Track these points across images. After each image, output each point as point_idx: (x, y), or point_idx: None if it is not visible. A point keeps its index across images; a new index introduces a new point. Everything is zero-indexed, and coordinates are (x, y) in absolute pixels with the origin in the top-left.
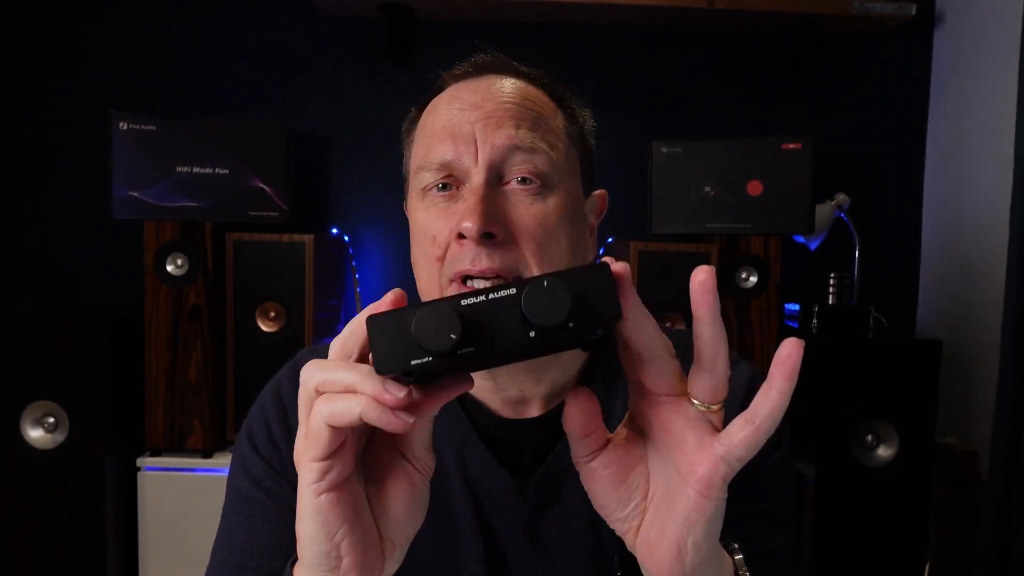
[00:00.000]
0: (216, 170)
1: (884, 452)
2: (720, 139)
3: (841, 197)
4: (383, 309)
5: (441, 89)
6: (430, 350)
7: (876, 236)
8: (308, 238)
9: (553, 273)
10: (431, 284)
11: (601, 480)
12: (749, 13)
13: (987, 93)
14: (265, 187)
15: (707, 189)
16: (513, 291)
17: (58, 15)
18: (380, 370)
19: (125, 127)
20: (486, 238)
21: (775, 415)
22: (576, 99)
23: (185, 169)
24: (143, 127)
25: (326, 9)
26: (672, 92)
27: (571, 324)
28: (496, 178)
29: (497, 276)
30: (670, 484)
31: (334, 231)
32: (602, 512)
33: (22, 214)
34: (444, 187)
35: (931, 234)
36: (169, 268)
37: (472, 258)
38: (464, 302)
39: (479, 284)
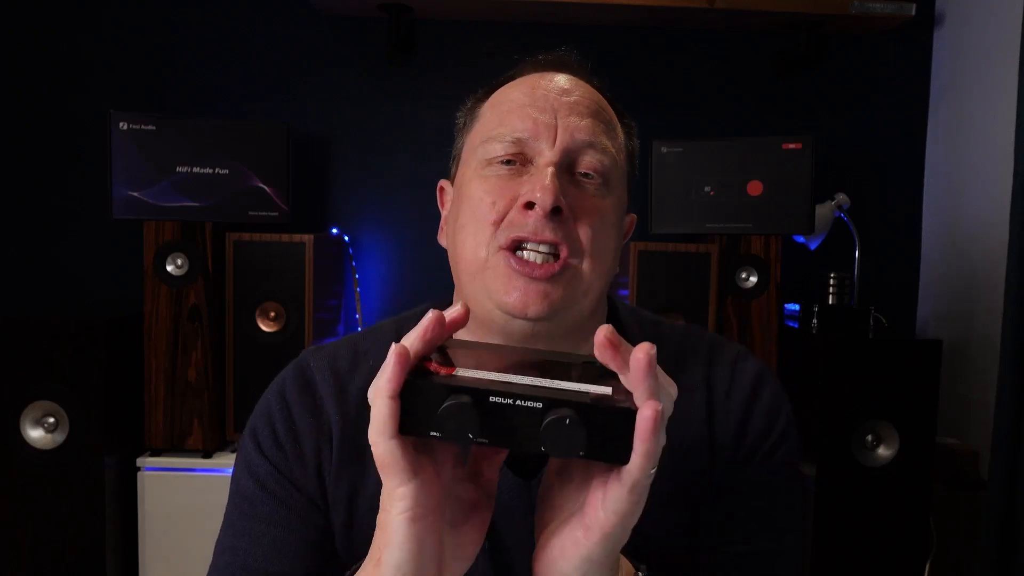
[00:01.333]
0: (216, 170)
1: (884, 452)
2: (720, 139)
3: (841, 197)
4: (423, 336)
5: (511, 77)
6: (448, 437)
7: (876, 236)
8: (308, 238)
9: (581, 405)
10: (477, 248)
11: (553, 468)
12: (749, 13)
13: (987, 93)
14: (265, 187)
15: (707, 189)
16: (540, 406)
17: (58, 15)
18: (403, 431)
19: (125, 127)
20: (554, 213)
21: (642, 474)
22: (632, 121)
23: (185, 169)
24: (143, 127)
25: (326, 9)
26: (672, 92)
27: (581, 454)
28: (566, 165)
29: (552, 249)
30: (572, 512)
31: (334, 231)
32: (540, 495)
33: (22, 214)
34: (508, 162)
35: (931, 234)
36: (169, 268)
37: (535, 228)
38: (492, 399)
39: (532, 256)
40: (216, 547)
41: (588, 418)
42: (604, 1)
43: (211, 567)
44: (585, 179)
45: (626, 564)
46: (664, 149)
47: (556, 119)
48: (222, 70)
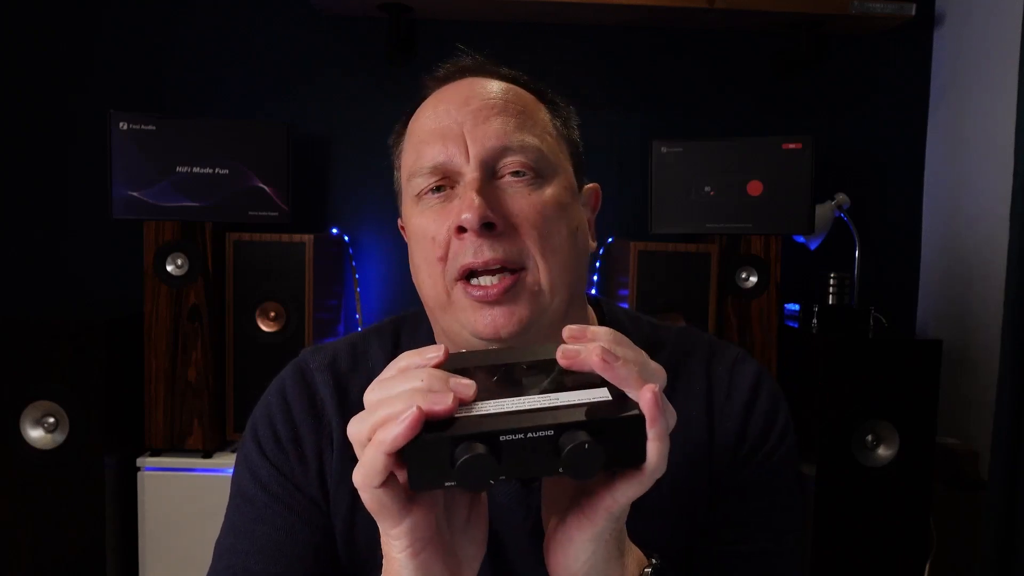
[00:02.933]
0: (216, 170)
1: (884, 452)
2: (720, 139)
3: (841, 197)
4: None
5: (422, 99)
6: (468, 488)
7: (876, 236)
8: (308, 238)
9: (591, 424)
10: (436, 288)
11: None
12: (749, 13)
13: (987, 93)
14: (265, 187)
15: (707, 189)
16: (551, 433)
17: (58, 15)
18: (415, 487)
19: (125, 127)
20: (486, 228)
21: (659, 459)
22: (558, 95)
23: (185, 169)
24: (143, 127)
25: (326, 9)
26: (672, 92)
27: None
28: (490, 173)
29: (502, 268)
30: (573, 499)
31: (334, 231)
32: (544, 490)
33: (22, 214)
34: (438, 189)
35: (931, 234)
36: (169, 268)
37: (475, 251)
38: (503, 438)
39: (485, 280)
40: (216, 547)
41: (602, 436)
42: (604, 1)
43: (211, 568)
44: (514, 178)
45: (638, 554)
46: (664, 149)
47: (463, 132)
48: (222, 70)
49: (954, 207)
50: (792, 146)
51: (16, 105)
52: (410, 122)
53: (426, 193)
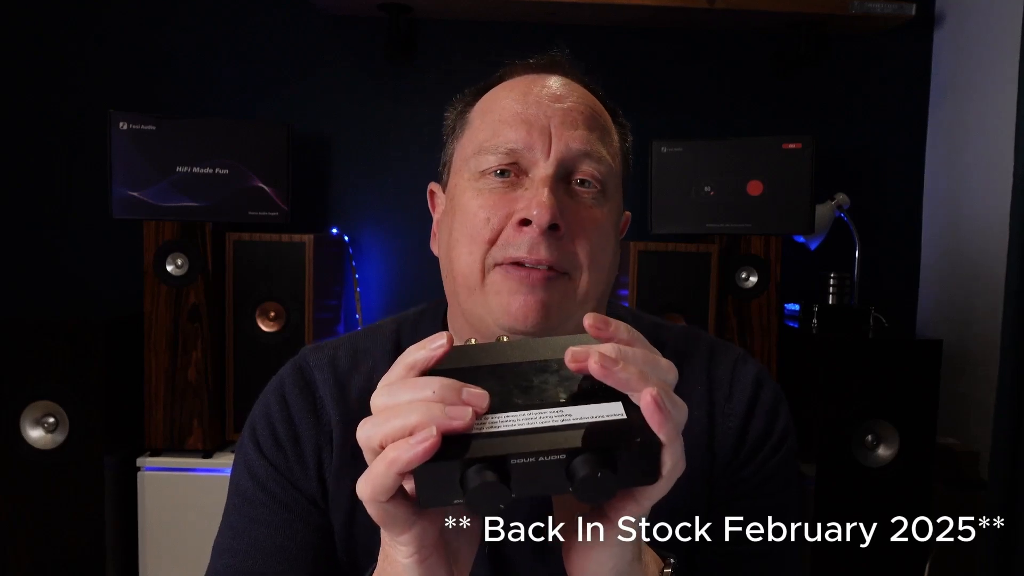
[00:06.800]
0: (216, 170)
1: (884, 452)
2: (720, 139)
3: (841, 197)
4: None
5: (501, 79)
6: (479, 513)
7: (876, 236)
8: (308, 238)
9: (602, 448)
10: (472, 267)
11: None
12: (749, 13)
13: (987, 93)
14: (265, 187)
15: (707, 189)
16: (563, 457)
17: (58, 14)
18: (424, 505)
19: (125, 127)
20: (551, 230)
21: (674, 462)
22: (626, 120)
23: (185, 169)
24: (143, 127)
25: (326, 9)
26: (672, 92)
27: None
28: (563, 174)
29: (550, 268)
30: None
31: (334, 231)
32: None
33: (22, 214)
34: (503, 173)
35: (931, 234)
36: (169, 268)
37: (530, 247)
38: (514, 462)
39: (531, 265)
40: (215, 547)
41: (615, 460)
42: (604, 1)
43: (210, 568)
44: (581, 188)
45: (653, 554)
46: (664, 149)
47: (550, 128)
48: (222, 70)
49: (954, 207)
50: (792, 146)
51: (16, 105)
52: (485, 97)
53: (490, 173)
